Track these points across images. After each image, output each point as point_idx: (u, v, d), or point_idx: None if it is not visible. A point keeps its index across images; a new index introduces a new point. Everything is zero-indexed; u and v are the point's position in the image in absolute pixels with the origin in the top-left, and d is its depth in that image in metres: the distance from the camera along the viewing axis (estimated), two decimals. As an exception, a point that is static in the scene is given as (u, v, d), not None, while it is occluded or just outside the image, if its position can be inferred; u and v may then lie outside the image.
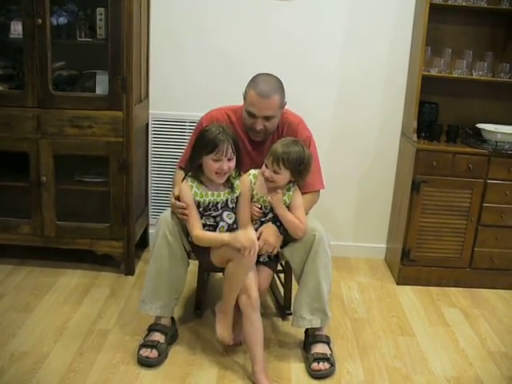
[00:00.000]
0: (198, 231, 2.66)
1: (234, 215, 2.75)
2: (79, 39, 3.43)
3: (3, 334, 2.92)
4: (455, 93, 3.81)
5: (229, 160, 2.64)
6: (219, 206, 2.71)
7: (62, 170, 3.51)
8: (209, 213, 2.70)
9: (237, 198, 2.76)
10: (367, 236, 4.13)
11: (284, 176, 2.68)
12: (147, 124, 3.90)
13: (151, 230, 4.09)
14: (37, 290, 3.39)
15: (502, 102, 3.85)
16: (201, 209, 2.69)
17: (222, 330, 2.76)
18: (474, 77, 3.65)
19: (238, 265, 2.57)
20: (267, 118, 2.82)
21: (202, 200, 2.69)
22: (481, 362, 2.96)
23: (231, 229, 2.71)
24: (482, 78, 3.64)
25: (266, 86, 2.80)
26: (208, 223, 2.71)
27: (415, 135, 3.61)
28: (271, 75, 2.90)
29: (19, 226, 3.57)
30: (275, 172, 2.66)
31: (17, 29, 3.37)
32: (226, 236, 2.58)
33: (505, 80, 3.64)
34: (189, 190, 2.69)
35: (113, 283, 3.54)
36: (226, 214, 2.72)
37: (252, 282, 2.64)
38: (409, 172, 3.63)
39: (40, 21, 3.23)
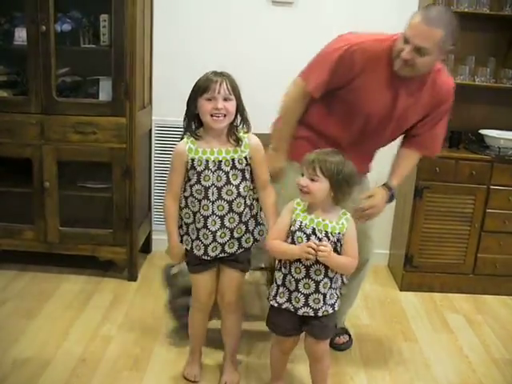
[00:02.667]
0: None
1: (237, 189, 2.39)
2: (83, 46, 3.45)
3: (6, 339, 2.92)
4: (458, 98, 3.76)
5: (225, 100, 2.30)
6: (223, 165, 2.37)
7: (65, 175, 3.53)
8: (206, 175, 2.36)
9: (245, 158, 2.40)
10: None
11: (322, 186, 2.24)
12: (150, 130, 3.91)
13: (154, 236, 4.10)
14: (40, 295, 3.39)
15: (504, 107, 3.85)
16: (198, 169, 2.36)
17: (190, 370, 2.73)
18: (477, 83, 3.65)
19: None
20: (419, 50, 2.37)
21: (197, 157, 2.36)
22: (484, 369, 2.96)
23: (231, 208, 2.41)
24: (485, 83, 3.65)
25: (435, 14, 2.40)
26: (196, 197, 2.39)
27: (418, 141, 3.61)
28: (450, 11, 2.51)
29: (22, 231, 3.58)
30: (312, 180, 2.25)
31: (21, 35, 3.38)
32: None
33: (507, 86, 3.65)
34: (184, 152, 2.38)
35: (116, 289, 3.55)
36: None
37: (225, 287, 2.56)
38: (411, 178, 3.63)
39: (44, 28, 3.25)
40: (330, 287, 2.34)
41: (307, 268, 2.29)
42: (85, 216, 3.68)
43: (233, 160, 2.38)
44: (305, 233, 2.28)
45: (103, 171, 3.52)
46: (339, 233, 2.29)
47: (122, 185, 3.48)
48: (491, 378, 2.89)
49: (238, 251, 2.50)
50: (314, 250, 2.21)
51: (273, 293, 2.40)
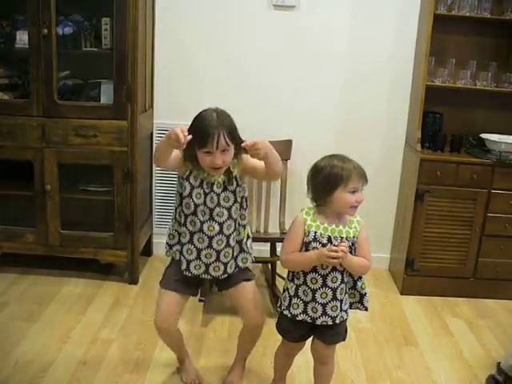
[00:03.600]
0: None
1: (228, 212, 2.39)
2: (84, 49, 3.46)
3: (7, 342, 2.92)
4: (459, 103, 3.81)
5: (223, 152, 2.26)
6: (215, 187, 2.37)
7: (67, 178, 3.53)
8: (198, 193, 2.36)
9: (235, 177, 2.38)
10: (371, 246, 4.11)
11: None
12: (151, 133, 3.91)
13: (155, 239, 4.10)
14: (41, 298, 3.40)
15: (506, 112, 3.85)
16: (193, 183, 2.36)
17: (187, 375, 2.73)
18: (478, 87, 3.66)
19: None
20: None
21: (195, 172, 2.36)
22: (485, 373, 2.94)
23: (221, 230, 2.40)
24: (486, 88, 3.65)
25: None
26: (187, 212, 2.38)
27: (419, 145, 3.62)
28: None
29: (23, 234, 3.58)
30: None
31: (23, 38, 3.39)
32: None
33: (509, 90, 3.65)
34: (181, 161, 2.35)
35: (117, 292, 3.55)
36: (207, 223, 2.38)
37: (242, 303, 2.53)
38: (413, 182, 3.63)
39: (46, 31, 3.25)
40: (346, 292, 2.34)
41: (324, 277, 2.27)
42: (86, 219, 3.69)
43: (224, 182, 2.37)
44: (320, 242, 2.25)
45: (104, 174, 3.53)
46: (354, 236, 2.29)
47: (123, 188, 3.49)
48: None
49: (222, 276, 2.46)
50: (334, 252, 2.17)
51: (285, 303, 2.37)
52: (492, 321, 3.52)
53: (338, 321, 2.34)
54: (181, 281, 2.48)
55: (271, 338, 3.04)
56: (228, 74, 3.83)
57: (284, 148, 3.57)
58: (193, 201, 2.35)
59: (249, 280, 2.53)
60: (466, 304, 3.71)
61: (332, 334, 2.38)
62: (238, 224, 2.46)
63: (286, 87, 3.84)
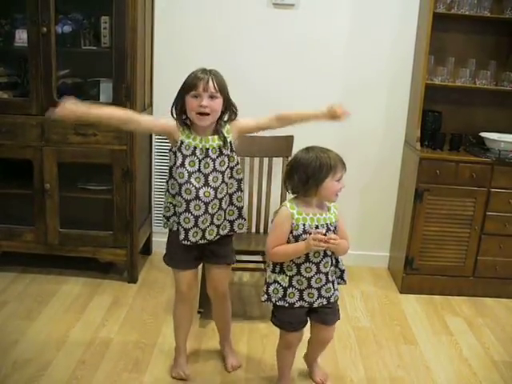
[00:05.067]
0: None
1: (222, 176, 2.45)
2: (84, 47, 3.45)
3: (6, 341, 2.92)
4: (458, 101, 3.81)
5: (211, 98, 2.35)
6: (210, 153, 2.42)
7: (66, 177, 3.52)
8: (192, 160, 2.40)
9: (230, 143, 2.46)
10: (370, 244, 4.12)
11: None
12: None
13: (155, 238, 4.10)
14: (40, 297, 3.39)
15: (505, 110, 3.85)
16: (184, 153, 2.40)
17: (176, 370, 2.75)
18: (478, 85, 3.65)
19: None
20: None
21: (186, 141, 2.41)
22: (484, 372, 2.95)
23: (216, 195, 2.45)
24: (486, 86, 3.65)
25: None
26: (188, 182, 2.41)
27: (418, 144, 3.62)
28: None
29: (23, 233, 3.58)
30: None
31: (22, 37, 3.38)
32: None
33: (508, 89, 3.64)
34: (176, 130, 2.42)
35: (116, 291, 3.54)
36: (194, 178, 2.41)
37: (216, 280, 2.67)
38: (412, 180, 3.63)
39: (45, 29, 3.25)
40: (335, 273, 2.51)
41: (317, 265, 2.39)
42: (85, 218, 3.68)
43: (219, 147, 2.44)
44: (309, 233, 2.32)
45: (104, 173, 3.52)
46: (336, 221, 2.43)
47: (123, 186, 3.48)
48: (491, 380, 2.89)
49: (216, 237, 2.52)
50: (320, 240, 2.28)
51: (279, 295, 2.42)
52: (491, 319, 3.52)
53: (332, 300, 2.49)
54: (187, 257, 2.56)
55: (270, 337, 3.05)
56: (227, 73, 3.79)
57: (285, 144, 3.56)
58: (186, 169, 2.39)
59: (229, 264, 2.68)
60: (466, 303, 3.71)
61: (331, 313, 2.53)
62: (238, 189, 2.54)
63: (286, 84, 3.84)
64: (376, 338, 3.22)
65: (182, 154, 2.40)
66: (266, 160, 3.51)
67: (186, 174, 2.40)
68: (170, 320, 3.15)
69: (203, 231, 2.47)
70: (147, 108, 3.74)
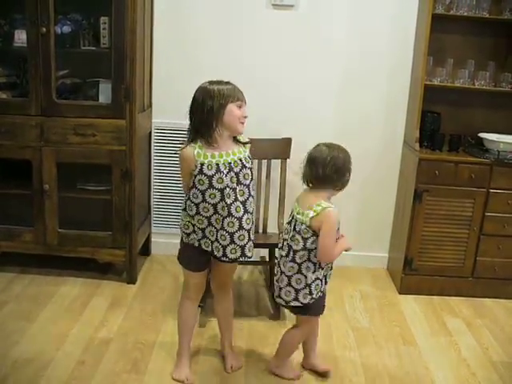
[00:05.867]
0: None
1: (248, 189, 2.51)
2: (83, 48, 3.46)
3: (6, 341, 2.92)
4: (457, 102, 3.82)
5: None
6: (233, 166, 2.45)
7: (65, 178, 3.52)
8: (219, 177, 2.42)
9: (248, 156, 2.54)
10: (369, 245, 4.12)
11: None
12: (150, 133, 3.91)
13: (154, 239, 4.10)
14: (39, 298, 3.39)
15: (504, 111, 3.86)
16: (208, 173, 2.41)
17: (179, 371, 2.75)
18: (476, 86, 3.66)
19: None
20: None
21: (206, 161, 2.41)
22: (483, 372, 2.96)
23: (246, 209, 2.51)
24: (484, 87, 3.65)
25: None
26: (212, 202, 2.44)
27: (417, 144, 3.62)
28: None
29: (22, 233, 3.58)
30: None
31: (21, 37, 3.39)
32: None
33: (507, 90, 3.65)
34: (192, 157, 2.43)
35: (115, 292, 3.54)
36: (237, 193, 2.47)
37: (223, 275, 2.73)
38: (411, 181, 3.63)
39: (44, 29, 3.25)
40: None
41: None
42: (84, 218, 3.67)
43: (240, 160, 2.48)
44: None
45: (103, 173, 3.52)
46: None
47: (122, 187, 3.48)
48: (490, 381, 2.89)
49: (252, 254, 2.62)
50: None
51: (321, 289, 2.63)
52: (490, 320, 3.52)
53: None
54: (200, 260, 2.61)
55: (269, 337, 3.05)
56: (227, 73, 3.76)
57: (283, 146, 3.57)
58: (216, 188, 2.42)
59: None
60: (465, 303, 3.71)
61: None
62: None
63: (285, 86, 3.84)
64: (375, 339, 3.22)
65: (205, 175, 2.42)
66: (264, 162, 3.53)
67: (219, 194, 2.43)
68: (169, 320, 3.17)
69: (242, 248, 2.53)
70: (146, 109, 3.74)
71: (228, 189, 2.43)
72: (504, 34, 3.73)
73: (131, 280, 3.66)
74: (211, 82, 2.48)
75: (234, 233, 2.47)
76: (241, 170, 2.47)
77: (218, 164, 2.42)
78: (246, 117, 2.47)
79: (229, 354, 2.86)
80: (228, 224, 2.46)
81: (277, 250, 2.82)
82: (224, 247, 2.49)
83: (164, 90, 3.86)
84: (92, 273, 3.70)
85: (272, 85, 3.83)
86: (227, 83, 2.47)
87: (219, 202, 2.43)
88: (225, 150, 2.45)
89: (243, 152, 2.51)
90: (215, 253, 2.51)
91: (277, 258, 2.71)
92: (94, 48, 3.46)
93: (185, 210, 2.53)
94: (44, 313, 3.24)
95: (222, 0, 3.72)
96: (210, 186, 2.41)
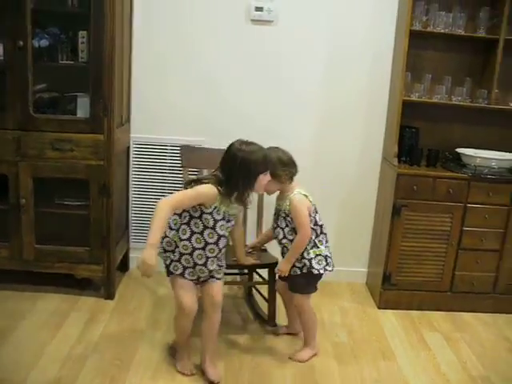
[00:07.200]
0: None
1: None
2: (61, 62, 3.43)
3: (-21, 359, 2.87)
4: (435, 118, 3.85)
5: None
6: (231, 219, 2.77)
7: (42, 192, 3.48)
8: (222, 225, 2.72)
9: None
10: (348, 260, 4.12)
11: None
12: (128, 147, 3.88)
13: (132, 254, 4.06)
14: (14, 314, 3.33)
15: (481, 127, 3.89)
16: (216, 217, 2.69)
17: (183, 364, 2.92)
18: (454, 102, 3.70)
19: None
20: None
21: (221, 208, 2.69)
22: (462, 387, 2.96)
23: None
24: (461, 103, 3.69)
25: None
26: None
27: (396, 159, 3.64)
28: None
29: (-3, 249, 3.53)
30: None
31: (-2, 50, 3.36)
32: None
33: (483, 105, 3.69)
34: (213, 199, 2.66)
35: (92, 307, 3.50)
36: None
37: (214, 292, 2.84)
38: (390, 196, 3.65)
39: (21, 43, 3.22)
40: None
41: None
42: (61, 233, 3.62)
43: (234, 215, 2.78)
44: None
45: (80, 188, 3.48)
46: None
47: (99, 202, 3.45)
48: (469, 395, 2.90)
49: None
50: None
51: (324, 263, 3.09)
52: (469, 334, 3.53)
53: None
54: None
55: (249, 350, 3.03)
56: (205, 89, 3.83)
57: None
58: (217, 232, 2.71)
59: (219, 279, 2.90)
60: (443, 318, 3.72)
61: None
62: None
63: (264, 102, 3.85)
64: (354, 354, 3.21)
65: (213, 218, 2.69)
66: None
67: (216, 236, 2.71)
68: (146, 337, 3.13)
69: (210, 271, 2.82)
70: (124, 123, 3.72)
71: (223, 238, 2.76)
72: (480, 51, 3.77)
73: (109, 296, 3.61)
74: (248, 152, 2.67)
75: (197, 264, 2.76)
76: (229, 221, 2.76)
77: (224, 213, 2.70)
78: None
79: (209, 367, 2.87)
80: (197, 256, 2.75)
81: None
82: (185, 268, 2.77)
83: (143, 105, 3.85)
84: (69, 288, 3.65)
85: (249, 101, 3.83)
86: (259, 149, 2.71)
87: (212, 244, 2.73)
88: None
89: (238, 208, 2.78)
90: (186, 276, 2.79)
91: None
92: (72, 62, 3.43)
93: (176, 230, 2.74)
94: (19, 330, 3.18)
95: (201, 14, 3.73)
96: (213, 227, 2.69)
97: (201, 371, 2.87)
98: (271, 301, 3.36)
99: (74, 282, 3.62)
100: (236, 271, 3.63)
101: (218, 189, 2.65)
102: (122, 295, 3.69)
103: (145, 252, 2.51)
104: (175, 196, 2.64)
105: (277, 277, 3.07)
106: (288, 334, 3.34)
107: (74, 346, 3.06)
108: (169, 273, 2.81)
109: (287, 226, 3.01)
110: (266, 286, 3.35)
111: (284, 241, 3.03)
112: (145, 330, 3.25)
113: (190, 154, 3.51)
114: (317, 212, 3.03)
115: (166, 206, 2.57)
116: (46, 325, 3.26)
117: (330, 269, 3.06)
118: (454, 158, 3.82)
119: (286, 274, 3.02)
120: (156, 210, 2.56)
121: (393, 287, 3.75)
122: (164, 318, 3.42)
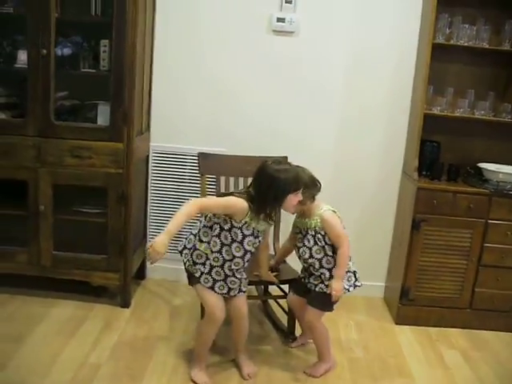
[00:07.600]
0: None
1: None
2: (82, 70, 3.46)
3: (-6, 364, 2.88)
4: (457, 132, 3.80)
5: None
6: (260, 235, 2.80)
7: (61, 199, 3.50)
8: (250, 240, 2.75)
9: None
10: (366, 274, 4.01)
11: None
12: (147, 156, 3.89)
13: (148, 263, 4.06)
14: (30, 320, 3.35)
15: (503, 141, 3.84)
16: (245, 232, 2.72)
17: (200, 376, 2.91)
18: (476, 116, 3.65)
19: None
20: None
21: (251, 223, 2.72)
22: (480, 407, 2.91)
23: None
24: (484, 117, 3.64)
25: None
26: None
27: (416, 173, 3.60)
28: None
29: (16, 254, 3.55)
30: None
31: (23, 58, 3.39)
32: None
33: (507, 120, 3.64)
34: (243, 214, 2.69)
35: (108, 315, 3.50)
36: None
37: (240, 302, 2.93)
38: (409, 210, 3.61)
39: (45, 51, 3.25)
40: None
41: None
42: (79, 240, 3.64)
43: (263, 231, 2.83)
44: None
45: (99, 196, 3.50)
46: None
47: (118, 210, 3.46)
48: (487, 416, 2.84)
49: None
50: None
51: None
52: (488, 353, 3.46)
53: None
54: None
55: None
56: (224, 99, 3.83)
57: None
58: (244, 247, 2.74)
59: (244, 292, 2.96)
60: (462, 335, 3.66)
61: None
62: None
63: (283, 113, 3.84)
64: (370, 370, 3.16)
65: (242, 233, 2.72)
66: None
67: (242, 251, 2.75)
68: (160, 346, 3.13)
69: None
70: (144, 132, 3.73)
71: (249, 253, 2.80)
72: (504, 65, 3.73)
73: (125, 304, 3.61)
74: (278, 170, 2.66)
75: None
76: (257, 237, 2.79)
77: (253, 229, 2.73)
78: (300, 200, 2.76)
79: (244, 360, 3.00)
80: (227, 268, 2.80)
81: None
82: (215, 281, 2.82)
83: (163, 114, 3.86)
84: (85, 295, 3.66)
85: (271, 111, 3.82)
86: (290, 169, 2.72)
87: (237, 258, 2.77)
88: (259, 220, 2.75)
89: (266, 224, 2.81)
90: (216, 289, 2.82)
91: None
92: (93, 70, 3.46)
93: (207, 243, 2.78)
94: (34, 335, 3.19)
95: (223, 24, 3.73)
96: (241, 242, 2.73)
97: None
98: (291, 314, 3.35)
99: (89, 288, 3.62)
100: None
101: (249, 205, 2.67)
102: (137, 304, 3.69)
103: (158, 237, 2.53)
104: (206, 199, 2.73)
105: (333, 299, 2.89)
106: (302, 344, 3.34)
107: (89, 353, 3.07)
108: (193, 282, 2.84)
109: (316, 244, 2.92)
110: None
111: (310, 260, 2.95)
112: (160, 339, 3.24)
113: (207, 161, 3.49)
114: (344, 228, 2.98)
115: (194, 204, 2.63)
116: (61, 331, 3.26)
117: (359, 284, 3.03)
118: (476, 173, 3.76)
119: (342, 294, 2.92)
120: (184, 205, 2.62)
121: (411, 303, 3.69)
122: (179, 327, 3.41)
